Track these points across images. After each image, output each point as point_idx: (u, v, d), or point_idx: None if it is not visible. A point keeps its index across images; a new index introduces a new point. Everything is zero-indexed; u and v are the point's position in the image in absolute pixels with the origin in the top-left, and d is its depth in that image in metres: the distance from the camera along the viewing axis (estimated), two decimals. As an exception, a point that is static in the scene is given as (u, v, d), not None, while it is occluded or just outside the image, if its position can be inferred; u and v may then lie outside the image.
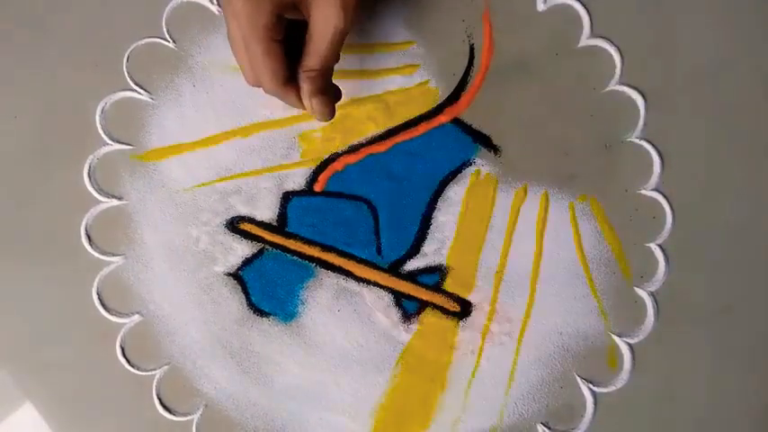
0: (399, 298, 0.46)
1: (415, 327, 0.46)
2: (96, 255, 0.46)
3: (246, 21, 0.36)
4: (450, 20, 0.47)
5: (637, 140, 0.46)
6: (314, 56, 0.38)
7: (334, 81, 0.40)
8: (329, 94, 0.39)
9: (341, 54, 0.39)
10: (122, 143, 0.47)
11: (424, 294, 0.46)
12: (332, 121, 0.41)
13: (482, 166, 0.47)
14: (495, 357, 0.46)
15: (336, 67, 0.40)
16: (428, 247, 0.46)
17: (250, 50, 0.37)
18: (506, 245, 0.46)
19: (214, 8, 0.47)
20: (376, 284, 0.46)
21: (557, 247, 0.46)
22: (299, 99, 0.39)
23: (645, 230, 0.46)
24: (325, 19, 0.37)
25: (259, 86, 0.39)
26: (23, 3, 0.48)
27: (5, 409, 0.47)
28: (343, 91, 0.42)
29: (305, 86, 0.38)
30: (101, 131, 0.47)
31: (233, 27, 0.37)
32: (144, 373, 0.46)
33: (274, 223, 0.47)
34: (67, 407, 0.46)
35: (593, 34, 0.47)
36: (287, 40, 0.39)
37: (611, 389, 0.46)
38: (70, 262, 0.46)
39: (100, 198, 0.47)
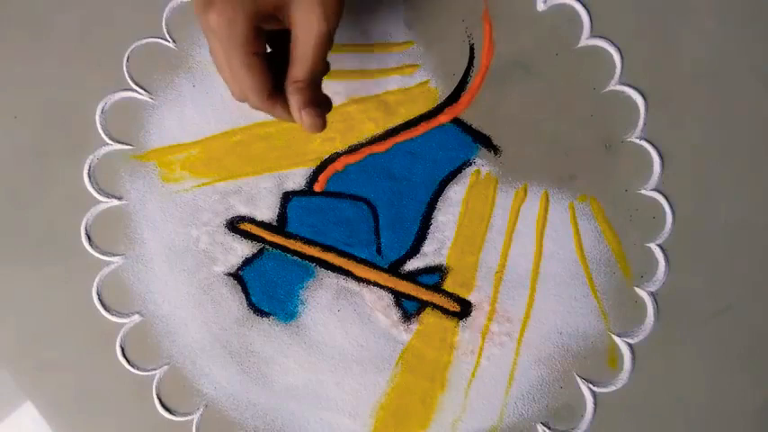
0: (399, 298, 0.46)
1: (414, 327, 0.46)
2: (96, 255, 0.46)
3: (223, 35, 0.35)
4: (450, 20, 0.47)
5: (637, 140, 0.46)
6: (300, 65, 0.37)
7: (335, 81, 0.40)
8: (319, 106, 0.37)
9: (343, 54, 0.39)
10: (122, 143, 0.47)
11: (424, 294, 0.46)
12: (324, 128, 0.39)
13: (482, 166, 0.47)
14: (495, 357, 0.46)
15: (336, 67, 0.40)
16: (428, 247, 0.46)
17: (231, 66, 0.36)
18: (506, 245, 0.46)
19: (214, 8, 0.47)
20: (376, 284, 0.46)
21: (557, 247, 0.46)
22: (287, 112, 0.38)
23: (645, 230, 0.46)
24: (307, 25, 0.36)
25: (245, 101, 0.38)
26: (23, 3, 0.48)
27: (5, 409, 0.47)
28: (343, 91, 0.41)
29: (293, 98, 0.37)
30: (101, 131, 0.47)
31: (212, 43, 0.36)
32: (144, 373, 0.46)
33: (274, 223, 0.47)
34: (67, 407, 0.46)
35: (593, 34, 0.47)
36: (274, 52, 0.38)
37: (611, 389, 0.46)
38: (70, 262, 0.46)
39: (100, 198, 0.47)
